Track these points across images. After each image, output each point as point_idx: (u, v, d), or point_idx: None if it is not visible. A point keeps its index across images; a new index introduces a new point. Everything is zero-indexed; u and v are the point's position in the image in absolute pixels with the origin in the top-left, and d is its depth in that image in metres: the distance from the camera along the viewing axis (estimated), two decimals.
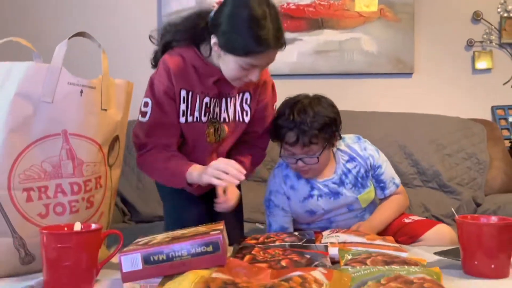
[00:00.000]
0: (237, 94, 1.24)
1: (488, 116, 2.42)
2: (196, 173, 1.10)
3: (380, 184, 1.36)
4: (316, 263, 0.82)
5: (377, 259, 0.80)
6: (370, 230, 1.19)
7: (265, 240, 1.01)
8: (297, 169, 1.28)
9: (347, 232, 1.03)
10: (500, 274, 0.82)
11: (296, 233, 1.06)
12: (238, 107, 1.25)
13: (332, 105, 1.28)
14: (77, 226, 0.84)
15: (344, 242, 0.97)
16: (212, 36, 1.10)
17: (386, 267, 0.79)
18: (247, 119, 1.26)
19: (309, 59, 2.40)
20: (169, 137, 1.19)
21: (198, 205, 1.28)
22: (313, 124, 1.20)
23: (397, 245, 0.95)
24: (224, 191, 1.19)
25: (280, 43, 1.09)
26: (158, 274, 0.74)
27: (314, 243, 0.99)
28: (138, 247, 0.76)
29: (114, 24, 2.44)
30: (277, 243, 0.98)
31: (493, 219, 0.91)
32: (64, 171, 0.89)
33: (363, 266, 0.76)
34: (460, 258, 0.89)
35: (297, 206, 1.32)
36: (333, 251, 0.94)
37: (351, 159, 1.33)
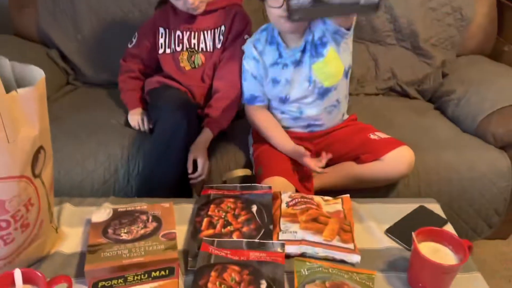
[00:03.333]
0: (215, 28, 1.48)
1: None
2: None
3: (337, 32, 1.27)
4: None
5: None
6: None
7: (222, 231, 0.99)
8: (278, 20, 1.23)
9: (304, 219, 1.01)
10: None
11: (255, 209, 1.04)
12: (216, 39, 1.48)
13: None
14: (18, 275, 0.77)
15: (301, 240, 0.96)
16: None
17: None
18: (219, 45, 1.48)
19: None
20: (138, 64, 1.59)
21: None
22: None
23: (351, 246, 0.96)
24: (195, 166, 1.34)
25: None
26: None
27: (271, 235, 0.98)
28: None
29: None
30: (234, 238, 0.97)
31: (451, 235, 0.91)
32: None
33: None
34: (409, 247, 0.94)
35: (264, 72, 1.34)
36: (290, 249, 0.95)
37: (309, 28, 1.30)
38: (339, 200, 1.11)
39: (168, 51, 1.52)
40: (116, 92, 1.65)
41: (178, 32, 1.49)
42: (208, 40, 1.49)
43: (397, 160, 1.30)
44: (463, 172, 1.43)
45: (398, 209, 1.12)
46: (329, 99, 1.35)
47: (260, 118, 1.39)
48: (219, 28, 1.48)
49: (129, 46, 1.58)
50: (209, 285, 0.84)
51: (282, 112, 1.40)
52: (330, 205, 1.09)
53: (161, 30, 1.52)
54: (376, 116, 1.64)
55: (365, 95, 1.85)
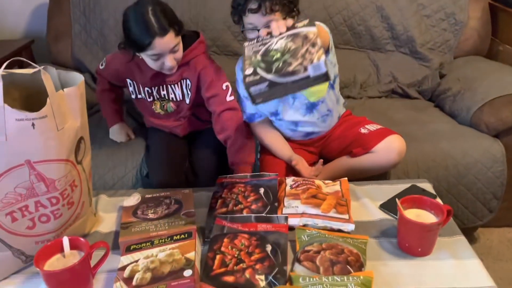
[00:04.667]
0: (181, 80, 1.48)
1: None
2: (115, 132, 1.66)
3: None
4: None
5: (325, 257, 0.96)
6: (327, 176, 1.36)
7: (234, 209, 1.14)
8: None
9: (305, 196, 1.15)
10: (424, 253, 1.01)
11: (262, 191, 1.19)
12: (184, 91, 1.50)
13: None
14: (66, 243, 0.95)
15: (302, 213, 1.11)
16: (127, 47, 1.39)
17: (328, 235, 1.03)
18: (187, 100, 1.51)
19: None
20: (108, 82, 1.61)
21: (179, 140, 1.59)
22: None
23: (346, 216, 1.10)
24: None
25: (165, 29, 1.30)
26: None
27: (276, 211, 1.13)
28: None
29: None
30: (244, 214, 1.12)
31: (431, 201, 1.03)
32: (39, 191, 0.94)
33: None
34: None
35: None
36: (292, 221, 1.10)
37: None
38: (338, 182, 1.25)
39: (139, 96, 1.55)
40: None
41: (147, 88, 1.51)
42: (176, 91, 1.50)
43: (387, 150, 1.38)
44: (459, 159, 1.55)
45: (392, 189, 1.25)
46: (319, 111, 1.44)
47: (261, 132, 1.51)
48: (184, 81, 1.48)
49: (100, 68, 1.60)
50: (222, 248, 1.00)
51: (280, 126, 1.52)
52: (329, 187, 1.23)
53: (129, 80, 1.53)
54: (378, 115, 1.77)
55: (368, 98, 1.99)
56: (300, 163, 1.44)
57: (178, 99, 1.52)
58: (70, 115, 0.94)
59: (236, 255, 0.98)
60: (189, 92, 1.49)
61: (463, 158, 1.55)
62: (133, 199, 1.19)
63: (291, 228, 1.09)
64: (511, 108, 1.57)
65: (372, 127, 1.47)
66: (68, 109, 0.93)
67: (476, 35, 2.05)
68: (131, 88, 1.54)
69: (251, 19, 1.29)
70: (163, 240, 0.97)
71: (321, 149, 1.55)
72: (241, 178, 1.29)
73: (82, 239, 0.96)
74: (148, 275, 0.88)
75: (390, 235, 1.08)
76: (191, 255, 0.92)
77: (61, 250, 0.96)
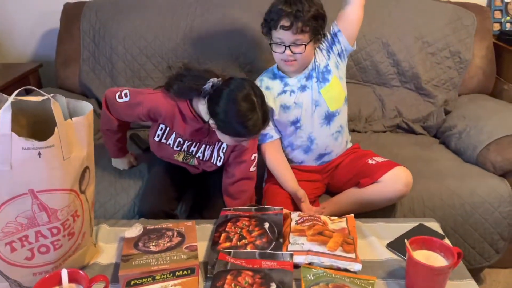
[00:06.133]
0: (216, 142, 1.42)
1: None
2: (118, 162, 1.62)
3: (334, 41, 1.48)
4: None
5: None
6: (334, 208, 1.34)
7: (238, 244, 1.12)
8: (283, 60, 1.41)
9: (311, 233, 1.13)
10: None
11: (267, 226, 1.17)
12: (215, 152, 1.44)
13: (321, 4, 1.40)
14: (64, 275, 0.92)
15: (308, 251, 1.08)
16: (210, 119, 1.28)
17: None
18: (219, 163, 1.45)
19: None
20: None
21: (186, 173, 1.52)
22: (308, 12, 1.34)
23: (353, 256, 1.07)
24: None
25: (264, 126, 1.29)
26: None
27: (281, 247, 1.10)
28: None
29: None
30: (248, 249, 1.09)
31: (441, 243, 1.01)
32: (40, 221, 0.92)
33: None
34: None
35: (272, 103, 1.47)
36: (297, 259, 1.07)
37: (316, 58, 1.47)
38: (344, 219, 1.23)
39: (165, 142, 1.42)
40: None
41: (179, 139, 1.40)
42: (206, 152, 1.44)
43: (394, 180, 1.40)
44: (465, 197, 1.52)
45: (399, 227, 1.23)
46: (335, 124, 1.49)
47: (271, 156, 1.52)
48: (219, 144, 1.42)
49: (118, 100, 1.39)
50: (226, 286, 0.97)
51: (293, 148, 1.54)
52: (335, 223, 1.21)
53: (162, 126, 1.39)
54: (383, 150, 1.75)
55: (373, 132, 1.99)
56: (305, 200, 1.43)
57: (205, 159, 1.45)
58: (77, 144, 0.93)
59: None
60: (220, 155, 1.44)
61: (470, 197, 1.53)
62: (134, 230, 1.16)
63: (296, 266, 1.07)
64: None
65: (379, 159, 1.50)
66: (75, 138, 0.92)
67: (481, 73, 2.07)
68: (159, 132, 1.40)
69: (280, 34, 1.37)
70: (165, 276, 0.94)
71: (329, 179, 1.54)
72: (245, 211, 1.26)
73: (81, 272, 0.93)
74: None
75: (398, 276, 1.05)
76: None
77: (59, 283, 0.92)
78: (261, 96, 1.27)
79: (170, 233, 1.15)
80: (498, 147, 1.60)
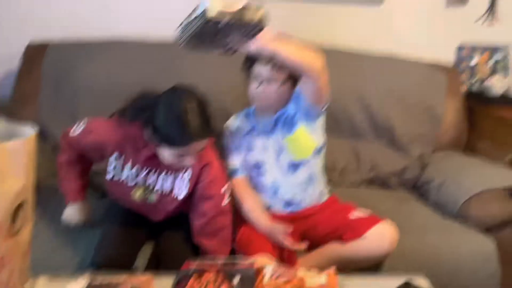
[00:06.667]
0: (178, 170, 1.29)
1: (452, 56, 2.28)
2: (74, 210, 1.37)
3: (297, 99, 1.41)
4: None
5: None
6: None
7: None
8: (255, 95, 1.39)
9: None
10: None
11: (237, 280, 1.01)
12: (176, 182, 1.31)
13: None
14: None
15: None
16: (145, 130, 1.21)
17: None
18: (180, 197, 1.30)
19: None
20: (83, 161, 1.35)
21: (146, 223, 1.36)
22: None
23: None
24: None
25: (205, 133, 1.19)
26: None
27: None
28: None
29: None
30: None
31: None
32: None
33: None
34: None
35: (239, 141, 1.46)
36: None
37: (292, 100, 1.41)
38: (324, 275, 1.08)
39: (116, 179, 1.30)
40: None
41: (135, 168, 1.28)
42: (166, 183, 1.31)
43: (379, 236, 1.30)
44: (449, 254, 1.42)
45: (385, 285, 1.09)
46: (301, 174, 1.42)
47: (242, 190, 1.42)
48: (182, 174, 1.30)
49: (72, 134, 1.33)
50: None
51: (260, 191, 1.45)
52: (314, 279, 1.06)
53: (116, 153, 1.28)
54: (360, 204, 1.65)
55: (350, 183, 1.89)
56: (285, 237, 1.31)
57: (165, 192, 1.31)
58: (12, 173, 0.77)
59: None
60: (182, 186, 1.29)
61: (454, 254, 1.43)
62: (77, 285, 0.97)
63: None
64: (500, 202, 1.50)
65: (361, 214, 1.41)
66: (10, 166, 0.76)
67: (454, 130, 2.05)
68: (111, 167, 1.29)
69: (258, 67, 1.36)
70: None
71: (304, 231, 1.41)
72: (212, 263, 1.10)
73: None
74: None
75: None
76: None
77: None
78: (203, 103, 1.19)
79: None
80: (480, 201, 1.54)
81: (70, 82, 1.93)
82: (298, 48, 1.24)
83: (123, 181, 1.30)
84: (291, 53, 1.22)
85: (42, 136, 1.93)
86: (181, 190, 1.30)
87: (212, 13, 1.01)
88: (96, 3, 2.06)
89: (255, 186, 1.46)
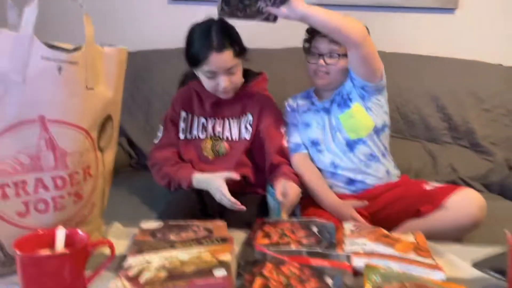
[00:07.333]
0: (241, 116, 1.40)
1: None
2: (202, 181, 1.30)
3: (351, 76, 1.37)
4: None
5: None
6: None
7: (279, 241, 0.88)
8: (316, 71, 1.37)
9: (374, 236, 0.89)
10: None
11: (315, 229, 0.93)
12: (242, 127, 1.39)
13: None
14: (60, 235, 0.71)
15: (371, 253, 0.84)
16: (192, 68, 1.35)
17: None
18: (247, 136, 1.38)
19: None
20: (173, 152, 1.41)
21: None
22: None
23: (432, 261, 0.82)
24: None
25: (224, 46, 1.26)
26: None
27: (335, 248, 0.86)
28: None
29: None
30: (293, 248, 0.86)
31: None
32: (45, 164, 0.75)
33: None
34: (505, 279, 0.77)
35: (298, 118, 1.44)
36: (358, 262, 0.82)
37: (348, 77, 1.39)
38: (411, 234, 0.98)
39: (189, 137, 1.41)
40: None
41: (202, 119, 1.41)
42: (233, 129, 1.39)
43: (464, 204, 1.17)
44: None
45: (483, 251, 0.96)
46: (360, 152, 1.35)
47: (305, 168, 1.37)
48: (245, 116, 1.40)
49: (155, 142, 1.44)
50: (265, 273, 0.72)
51: (321, 164, 1.40)
52: (401, 237, 0.96)
53: (183, 114, 1.42)
54: None
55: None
56: (356, 215, 1.21)
57: (234, 139, 1.38)
58: (104, 79, 0.79)
59: (284, 283, 0.70)
60: (248, 128, 1.38)
61: None
62: (153, 224, 0.95)
63: (356, 273, 0.81)
64: None
65: (438, 184, 1.30)
66: (103, 71, 0.79)
67: None
68: (182, 125, 1.41)
69: (317, 42, 1.36)
70: (189, 244, 0.72)
71: (374, 213, 1.30)
72: (286, 220, 1.04)
73: (81, 232, 0.72)
74: (163, 274, 0.62)
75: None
76: (226, 257, 0.66)
77: (51, 244, 0.72)
78: (226, 23, 1.29)
79: (195, 228, 0.93)
80: None
81: (147, 82, 2.03)
82: (334, 13, 1.20)
83: (194, 138, 1.39)
84: (326, 17, 1.19)
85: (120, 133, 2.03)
86: (247, 131, 1.38)
87: None
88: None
89: (315, 164, 1.41)
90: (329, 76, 1.37)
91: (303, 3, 1.17)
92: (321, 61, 1.35)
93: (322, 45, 1.35)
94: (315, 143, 1.40)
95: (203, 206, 1.30)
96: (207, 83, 1.33)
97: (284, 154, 1.37)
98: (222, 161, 1.37)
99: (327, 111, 1.41)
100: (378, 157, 1.38)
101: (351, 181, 1.36)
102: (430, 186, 1.28)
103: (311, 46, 1.39)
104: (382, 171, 1.38)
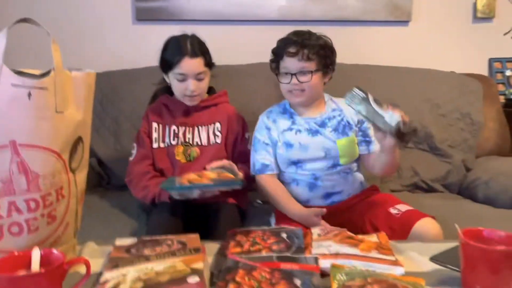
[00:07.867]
0: (209, 124, 1.54)
1: (484, 70, 2.30)
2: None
3: (366, 138, 1.41)
4: None
5: None
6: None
7: (250, 249, 0.92)
8: (290, 90, 1.38)
9: (338, 238, 0.95)
10: None
11: (284, 235, 0.98)
12: (211, 133, 1.53)
13: (331, 41, 1.42)
14: (36, 256, 0.73)
15: (336, 254, 0.89)
16: (164, 75, 1.53)
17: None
18: (218, 140, 1.52)
19: (299, 2, 2.19)
20: (148, 165, 1.51)
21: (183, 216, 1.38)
22: (315, 41, 1.35)
23: (393, 258, 0.88)
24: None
25: (196, 54, 1.43)
26: None
27: (303, 252, 0.91)
28: None
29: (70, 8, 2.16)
30: (263, 254, 0.90)
31: (500, 234, 0.83)
32: (17, 187, 0.77)
33: None
34: (459, 269, 0.84)
35: (277, 137, 1.42)
36: (324, 263, 0.86)
37: (338, 110, 1.44)
38: (374, 235, 1.04)
39: (162, 145, 1.52)
40: None
41: (173, 127, 1.52)
42: (202, 135, 1.52)
43: (421, 237, 1.20)
44: None
45: (441, 246, 1.03)
46: (341, 169, 1.39)
47: (270, 185, 1.40)
48: (213, 124, 1.53)
49: (130, 159, 1.53)
50: (237, 278, 0.76)
51: (297, 183, 1.41)
52: (365, 237, 1.02)
53: (155, 125, 1.53)
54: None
55: (391, 191, 1.85)
56: (321, 221, 1.26)
57: (203, 143, 1.51)
58: (73, 102, 0.82)
59: (255, 287, 0.74)
60: (217, 133, 1.53)
61: None
62: (128, 240, 0.97)
63: (323, 274, 0.86)
64: None
65: (402, 207, 1.32)
66: (72, 95, 0.82)
67: (495, 136, 2.01)
68: (155, 135, 1.53)
69: (287, 62, 1.36)
70: (162, 256, 0.75)
71: (341, 223, 1.35)
72: (257, 229, 1.08)
73: (56, 251, 0.74)
74: (139, 285, 0.65)
75: (451, 283, 0.84)
76: (198, 265, 0.70)
77: (27, 266, 0.73)
78: (197, 38, 1.48)
79: (169, 242, 0.96)
80: None
81: (115, 104, 2.04)
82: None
83: (166, 144, 1.51)
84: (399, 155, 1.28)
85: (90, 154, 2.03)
86: (216, 137, 1.52)
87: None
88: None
89: (294, 178, 1.42)
90: (305, 93, 1.38)
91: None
92: (294, 80, 1.35)
93: (292, 65, 1.35)
94: (295, 163, 1.41)
95: (185, 222, 1.34)
96: (177, 86, 1.47)
97: (247, 158, 1.49)
98: (193, 165, 1.48)
99: (314, 133, 1.40)
100: (353, 170, 1.43)
101: (328, 195, 1.40)
102: (395, 209, 1.31)
103: (280, 67, 1.39)
104: (356, 183, 1.44)
